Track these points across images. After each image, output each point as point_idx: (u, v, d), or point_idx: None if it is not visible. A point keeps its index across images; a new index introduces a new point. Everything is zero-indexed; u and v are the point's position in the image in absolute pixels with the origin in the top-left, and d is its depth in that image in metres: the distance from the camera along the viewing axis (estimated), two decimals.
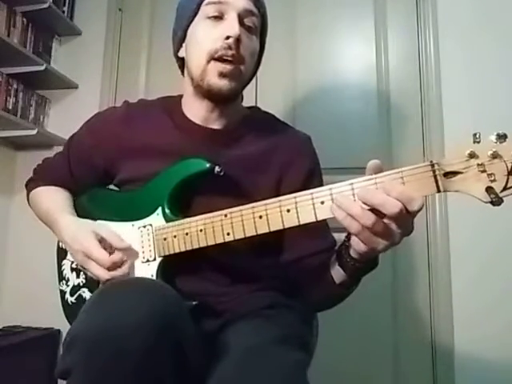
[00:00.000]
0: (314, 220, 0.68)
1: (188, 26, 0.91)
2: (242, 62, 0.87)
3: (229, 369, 0.71)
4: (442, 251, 1.68)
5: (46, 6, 1.94)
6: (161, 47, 2.00)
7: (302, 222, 0.69)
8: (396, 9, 1.88)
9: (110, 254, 0.81)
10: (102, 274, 0.80)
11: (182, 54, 0.94)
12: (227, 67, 0.85)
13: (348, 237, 0.72)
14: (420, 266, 1.72)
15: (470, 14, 1.78)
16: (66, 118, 2.06)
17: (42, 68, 1.94)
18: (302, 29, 1.94)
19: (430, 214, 1.72)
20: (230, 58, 0.84)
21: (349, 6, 1.91)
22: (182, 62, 0.96)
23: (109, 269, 0.79)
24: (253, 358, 0.73)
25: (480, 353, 1.59)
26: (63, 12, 2.12)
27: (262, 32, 0.94)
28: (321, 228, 0.89)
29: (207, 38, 0.86)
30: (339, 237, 0.78)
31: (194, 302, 0.78)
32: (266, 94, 1.89)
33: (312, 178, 0.92)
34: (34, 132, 1.92)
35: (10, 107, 1.92)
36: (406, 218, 0.62)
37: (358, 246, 0.67)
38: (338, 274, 0.78)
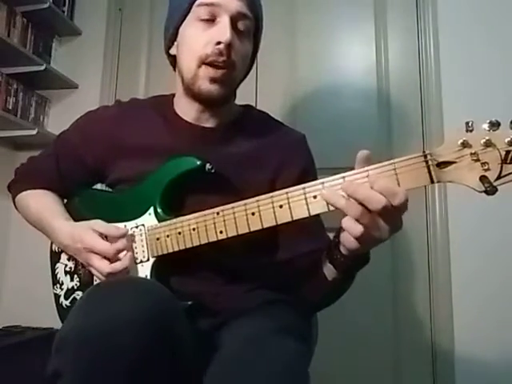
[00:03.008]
0: (307, 215, 0.67)
1: (180, 24, 0.89)
2: (233, 67, 0.85)
3: (228, 359, 0.71)
4: (442, 250, 1.68)
5: (46, 5, 1.95)
6: (161, 47, 1.99)
7: (295, 218, 0.68)
8: (396, 9, 1.88)
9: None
10: (106, 268, 0.79)
11: (173, 51, 0.92)
12: (218, 72, 0.84)
13: (338, 233, 0.71)
14: (420, 266, 1.71)
15: (469, 14, 1.77)
16: (65, 118, 2.00)
17: (42, 68, 1.95)
18: (302, 28, 1.94)
19: (429, 213, 1.72)
20: (220, 64, 0.83)
21: (349, 5, 1.90)
22: (173, 59, 0.94)
23: (113, 258, 0.79)
24: (251, 347, 0.72)
25: (480, 353, 1.59)
26: (63, 12, 2.12)
27: (255, 34, 0.92)
28: (316, 227, 0.89)
29: (198, 41, 0.84)
30: None
31: (188, 302, 0.77)
32: (266, 93, 1.89)
33: (306, 177, 0.90)
34: (34, 132, 1.93)
35: (10, 107, 1.92)
36: (392, 213, 0.61)
37: (347, 240, 0.66)
38: (329, 270, 0.78)
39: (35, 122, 2.06)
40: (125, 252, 0.82)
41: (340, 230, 0.69)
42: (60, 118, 2.13)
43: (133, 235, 0.85)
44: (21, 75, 1.95)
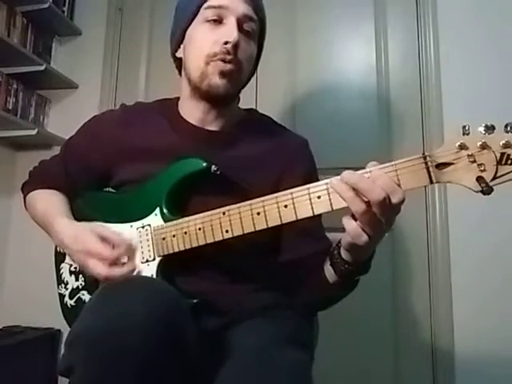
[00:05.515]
0: (311, 214, 0.69)
1: (187, 27, 0.91)
2: (240, 66, 0.88)
3: (233, 372, 0.73)
4: (442, 250, 1.68)
5: (46, 5, 1.95)
6: (161, 47, 1.99)
7: (299, 217, 0.70)
8: (396, 9, 1.88)
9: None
10: (102, 271, 0.78)
11: (179, 54, 0.95)
12: (228, 66, 0.85)
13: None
14: (420, 266, 1.71)
15: (469, 14, 1.78)
16: (66, 118, 2.06)
17: (42, 68, 1.95)
18: (302, 29, 1.94)
19: (429, 213, 1.72)
20: (228, 62, 0.85)
21: (349, 6, 1.91)
22: (179, 63, 0.96)
23: (111, 263, 0.78)
24: (257, 360, 0.74)
25: (480, 353, 1.59)
26: (63, 12, 2.12)
27: (260, 37, 0.95)
28: (318, 230, 0.92)
29: (206, 41, 0.87)
30: (337, 237, 0.78)
31: (194, 300, 0.78)
32: (266, 94, 1.89)
33: (309, 183, 0.92)
34: (34, 132, 1.93)
35: (10, 107, 1.92)
36: (388, 210, 0.62)
37: (344, 239, 0.68)
38: (330, 273, 0.79)
39: (35, 122, 2.06)
40: (126, 259, 0.81)
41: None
42: (60, 117, 2.13)
43: (139, 235, 0.85)
44: (21, 75, 1.95)
